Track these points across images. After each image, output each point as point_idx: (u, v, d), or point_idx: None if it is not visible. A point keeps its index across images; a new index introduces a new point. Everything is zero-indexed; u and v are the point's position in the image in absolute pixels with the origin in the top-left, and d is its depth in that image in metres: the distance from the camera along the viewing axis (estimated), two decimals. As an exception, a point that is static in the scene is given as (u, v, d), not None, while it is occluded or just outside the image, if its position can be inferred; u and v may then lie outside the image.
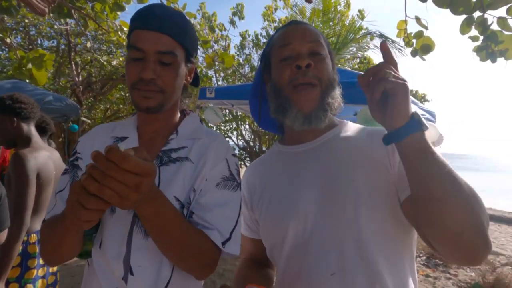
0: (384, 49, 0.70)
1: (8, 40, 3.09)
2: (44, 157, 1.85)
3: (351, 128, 0.94)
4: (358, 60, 10.16)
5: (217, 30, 9.16)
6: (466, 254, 0.65)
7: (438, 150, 0.67)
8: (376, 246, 0.76)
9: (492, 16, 2.03)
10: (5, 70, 7.69)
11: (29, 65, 2.72)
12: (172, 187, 0.81)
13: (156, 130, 0.91)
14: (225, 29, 9.27)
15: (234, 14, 8.94)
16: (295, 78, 0.84)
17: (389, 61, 0.69)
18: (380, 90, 0.65)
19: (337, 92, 0.90)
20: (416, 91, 10.85)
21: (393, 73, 0.66)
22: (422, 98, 10.81)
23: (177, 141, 0.89)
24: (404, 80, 0.66)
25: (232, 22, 9.04)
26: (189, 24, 0.87)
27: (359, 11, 8.16)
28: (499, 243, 6.64)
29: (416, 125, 0.64)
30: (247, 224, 1.02)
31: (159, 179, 0.82)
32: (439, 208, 0.63)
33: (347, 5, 7.65)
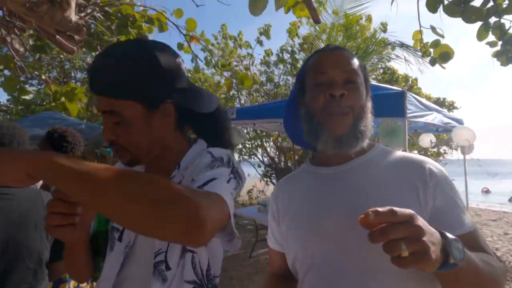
0: (372, 220, 0.57)
1: (43, 77, 3.37)
2: None
3: (383, 154, 0.91)
4: (381, 71, 10.05)
5: (243, 48, 9.50)
6: None
7: (471, 255, 0.66)
8: (393, 278, 0.76)
9: (510, 20, 2.00)
10: (44, 103, 8.29)
11: (62, 99, 2.94)
12: None
13: (162, 167, 0.87)
14: (251, 47, 9.56)
15: (261, 33, 9.20)
16: (328, 106, 0.85)
17: (391, 221, 0.57)
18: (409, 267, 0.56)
19: (370, 119, 0.89)
20: (444, 99, 10.49)
21: (405, 238, 0.55)
22: (451, 106, 10.43)
23: (178, 176, 0.84)
24: (426, 246, 0.55)
25: (259, 42, 9.29)
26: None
27: (382, 24, 8.14)
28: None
29: (450, 267, 0.60)
30: (275, 238, 1.03)
31: None
32: None
33: (369, 20, 7.66)
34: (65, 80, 9.79)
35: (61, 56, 8.44)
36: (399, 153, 0.91)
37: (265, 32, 9.09)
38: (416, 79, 10.24)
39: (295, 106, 1.02)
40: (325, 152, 0.89)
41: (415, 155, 0.89)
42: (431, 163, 0.85)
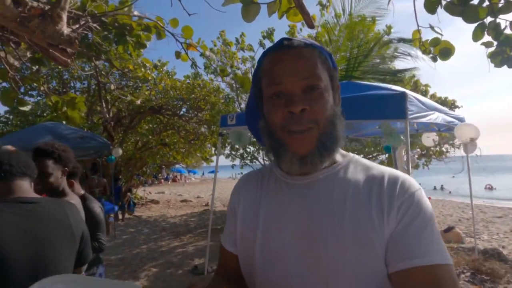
0: None
1: (42, 88, 3.38)
2: (78, 204, 1.93)
3: (354, 168, 0.80)
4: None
5: (245, 51, 9.44)
6: None
7: None
8: None
9: (505, 20, 1.98)
10: (44, 114, 8.32)
11: (64, 108, 2.95)
12: None
13: None
14: (253, 50, 9.46)
15: (264, 37, 9.18)
16: (287, 123, 0.73)
17: None
18: None
19: (339, 128, 0.76)
20: (445, 98, 10.42)
21: None
22: (452, 105, 10.37)
23: None
24: None
25: (262, 45, 9.24)
26: None
27: (387, 26, 8.02)
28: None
29: None
30: (232, 237, 0.92)
31: None
32: None
33: (373, 21, 7.58)
34: (64, 90, 9.83)
35: (59, 66, 8.53)
36: (373, 167, 0.79)
37: (268, 35, 9.08)
38: (418, 80, 10.15)
39: (257, 112, 0.89)
40: (290, 171, 0.80)
41: (389, 170, 0.78)
42: (404, 180, 0.73)
